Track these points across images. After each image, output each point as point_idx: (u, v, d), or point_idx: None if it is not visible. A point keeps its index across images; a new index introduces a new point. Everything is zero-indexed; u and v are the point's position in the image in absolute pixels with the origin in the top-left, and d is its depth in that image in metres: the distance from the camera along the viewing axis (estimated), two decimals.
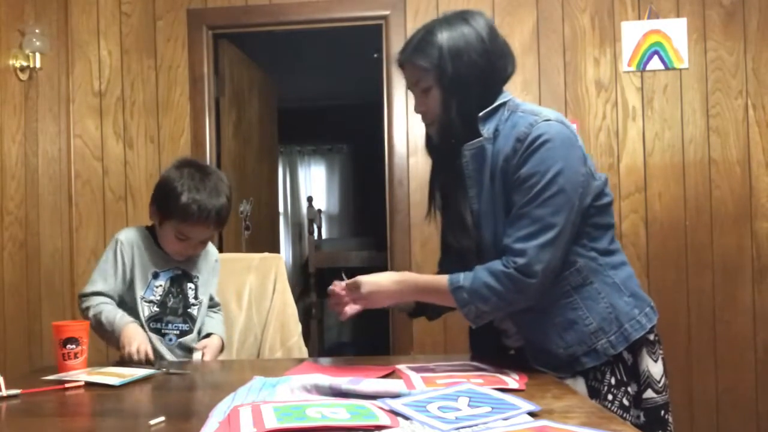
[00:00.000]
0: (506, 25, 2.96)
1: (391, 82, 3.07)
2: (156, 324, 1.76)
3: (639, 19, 2.95)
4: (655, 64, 2.94)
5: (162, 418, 1.05)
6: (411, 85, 1.48)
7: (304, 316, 4.33)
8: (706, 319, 2.89)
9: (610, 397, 1.36)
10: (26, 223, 2.76)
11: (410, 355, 2.93)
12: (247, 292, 2.10)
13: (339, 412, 0.99)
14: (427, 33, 1.42)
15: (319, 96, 6.37)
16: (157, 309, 1.76)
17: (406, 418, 1.00)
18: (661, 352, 1.44)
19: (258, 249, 2.82)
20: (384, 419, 0.97)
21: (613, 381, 1.36)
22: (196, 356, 1.75)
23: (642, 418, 1.39)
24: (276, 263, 2.15)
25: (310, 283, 4.93)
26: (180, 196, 1.68)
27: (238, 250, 3.37)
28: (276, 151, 4.53)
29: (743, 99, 2.90)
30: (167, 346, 1.76)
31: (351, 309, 1.46)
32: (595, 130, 2.96)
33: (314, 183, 7.24)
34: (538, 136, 1.33)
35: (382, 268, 3.15)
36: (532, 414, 1.01)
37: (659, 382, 1.40)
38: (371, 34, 3.20)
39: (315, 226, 5.32)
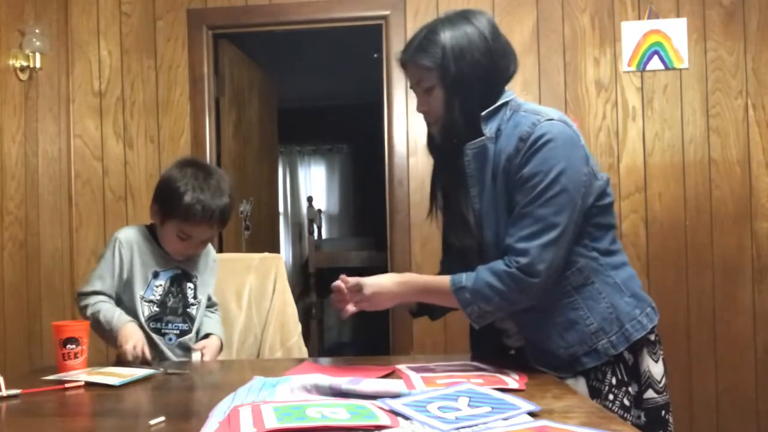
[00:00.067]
0: (506, 25, 2.96)
1: (391, 82, 3.07)
2: (156, 324, 1.76)
3: (639, 19, 2.95)
4: (655, 64, 2.94)
5: (162, 418, 1.05)
6: (413, 85, 1.48)
7: (304, 316, 4.33)
8: (706, 319, 2.89)
9: (611, 397, 1.36)
10: (26, 223, 2.76)
11: (410, 355, 2.93)
12: (247, 292, 2.10)
13: (339, 412, 0.99)
14: (429, 32, 1.42)
15: (319, 96, 6.37)
16: (157, 309, 1.76)
17: (406, 418, 1.00)
18: (661, 352, 1.44)
19: (258, 249, 2.82)
20: (384, 419, 0.97)
21: (614, 381, 1.36)
22: (196, 357, 1.75)
23: (643, 418, 1.39)
24: (276, 263, 2.15)
25: (310, 283, 4.92)
26: (183, 196, 1.68)
27: (238, 250, 3.37)
28: (276, 151, 4.53)
29: (743, 99, 2.90)
30: (167, 345, 1.76)
31: (352, 307, 1.46)
32: (595, 130, 2.96)
33: (314, 183, 7.24)
34: (541, 136, 1.33)
35: (382, 268, 3.17)
36: (532, 414, 1.01)
37: (660, 382, 1.40)
38: (371, 34, 3.20)
39: (315, 226, 5.32)
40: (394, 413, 1.02)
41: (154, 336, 1.74)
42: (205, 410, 1.07)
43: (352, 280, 1.43)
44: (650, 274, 2.90)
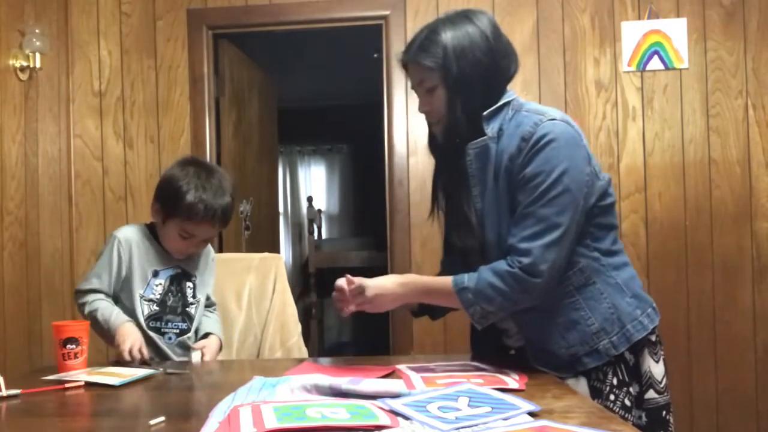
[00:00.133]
0: (506, 25, 2.96)
1: (391, 82, 3.07)
2: (155, 323, 1.76)
3: (639, 19, 2.95)
4: (655, 64, 2.94)
5: (162, 418, 1.05)
6: (415, 85, 1.47)
7: (304, 316, 4.33)
8: (706, 319, 2.89)
9: (612, 397, 1.36)
10: (26, 223, 2.76)
11: (410, 355, 2.92)
12: (246, 292, 2.10)
13: (339, 412, 0.99)
14: (431, 32, 1.41)
15: (319, 96, 6.37)
16: (157, 308, 1.76)
17: (406, 418, 1.00)
18: (662, 352, 1.44)
19: (258, 249, 2.82)
20: (384, 419, 0.97)
21: (615, 381, 1.36)
22: (196, 356, 1.75)
23: (644, 419, 1.39)
24: (276, 263, 2.15)
25: (310, 283, 4.92)
26: (186, 195, 1.68)
27: (238, 250, 3.36)
28: (276, 151, 4.53)
29: (743, 99, 2.90)
30: (167, 344, 1.77)
31: (353, 307, 1.46)
32: (595, 130, 2.96)
33: (314, 183, 7.24)
34: (543, 136, 1.33)
35: (383, 268, 3.17)
36: (532, 414, 1.01)
37: (661, 382, 1.40)
38: (371, 34, 3.20)
39: (315, 226, 5.32)
40: (394, 413, 1.02)
41: (154, 335, 1.74)
42: (205, 410, 1.07)
43: (355, 281, 1.43)
44: (650, 274, 2.90)
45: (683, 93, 2.93)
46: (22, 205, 2.74)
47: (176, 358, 1.77)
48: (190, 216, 1.69)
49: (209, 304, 1.92)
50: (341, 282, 1.45)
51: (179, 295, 1.80)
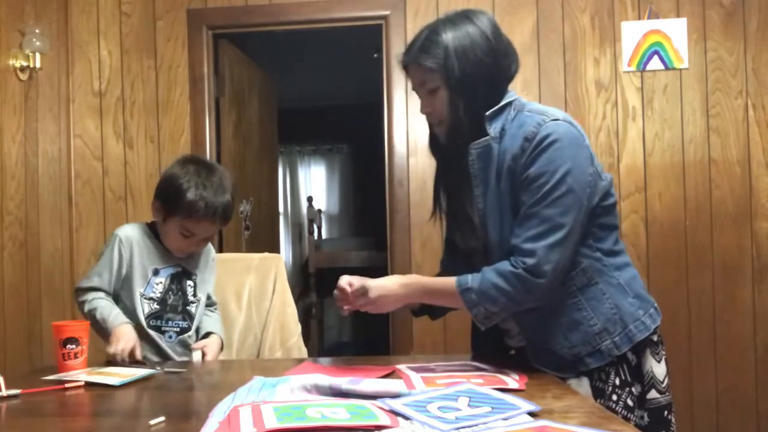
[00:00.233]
0: (506, 25, 2.96)
1: (391, 82, 3.07)
2: (156, 321, 1.76)
3: (639, 19, 2.95)
4: (655, 64, 2.94)
5: (162, 418, 1.05)
6: (416, 87, 1.47)
7: (304, 316, 4.33)
8: (706, 319, 2.89)
9: (614, 397, 1.36)
10: (26, 223, 2.76)
11: (410, 355, 2.92)
12: (246, 292, 2.10)
13: (339, 412, 0.99)
14: (431, 33, 1.41)
15: (319, 96, 6.37)
16: (157, 306, 1.76)
17: (406, 418, 1.00)
18: (664, 352, 1.44)
19: (258, 249, 2.82)
20: (384, 419, 0.97)
21: (617, 381, 1.36)
22: (196, 356, 1.75)
23: (646, 419, 1.39)
24: (276, 263, 2.15)
25: (310, 283, 4.92)
26: (186, 193, 1.68)
27: (238, 250, 3.37)
28: (276, 151, 4.53)
29: (743, 99, 2.90)
30: (167, 343, 1.77)
31: (353, 307, 1.46)
32: (595, 130, 2.96)
33: (314, 183, 7.24)
34: (547, 136, 1.32)
35: (383, 268, 3.16)
36: (532, 414, 1.01)
37: (662, 382, 1.41)
38: (371, 34, 3.20)
39: (315, 226, 5.32)
40: (394, 413, 1.02)
41: (154, 334, 1.74)
42: (205, 410, 1.07)
43: (357, 283, 1.42)
44: (650, 274, 2.90)
45: (683, 93, 2.93)
46: (22, 205, 2.74)
47: (177, 357, 1.77)
48: (191, 214, 1.69)
49: (210, 304, 1.92)
50: (344, 282, 1.45)
51: (180, 293, 1.80)
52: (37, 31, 2.75)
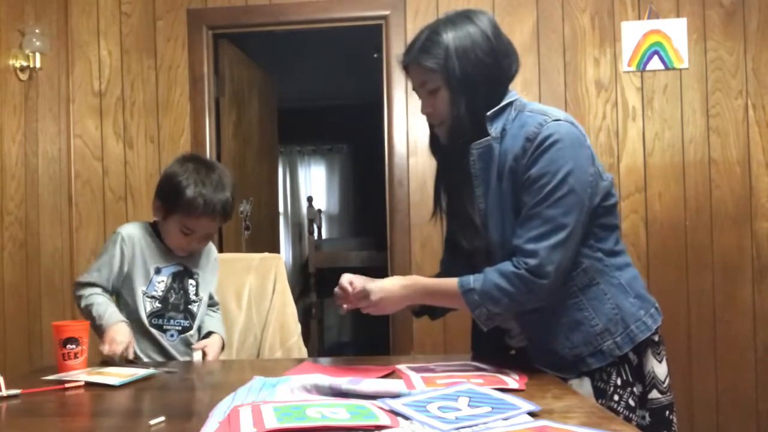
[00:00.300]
0: (506, 25, 2.96)
1: (391, 82, 3.07)
2: (157, 320, 1.76)
3: (639, 19, 2.95)
4: (655, 64, 2.94)
5: (162, 418, 1.05)
6: (417, 87, 1.46)
7: (304, 316, 4.33)
8: (706, 319, 2.89)
9: (616, 397, 1.36)
10: (26, 223, 2.76)
11: (410, 355, 2.93)
12: (246, 292, 2.10)
13: (339, 412, 0.99)
14: (432, 33, 1.41)
15: (319, 96, 6.37)
16: (159, 305, 1.77)
17: (406, 418, 1.00)
18: (665, 352, 1.44)
19: (258, 249, 2.82)
20: (384, 419, 0.97)
21: (619, 382, 1.36)
22: (197, 356, 1.75)
23: (647, 419, 1.39)
24: (276, 263, 2.15)
25: (310, 283, 4.92)
26: (185, 190, 1.68)
27: (238, 250, 3.37)
28: (276, 151, 4.53)
29: (743, 99, 2.90)
30: (169, 342, 1.77)
31: (352, 306, 1.46)
32: (595, 130, 2.96)
33: (314, 183, 7.24)
34: (548, 136, 1.32)
35: (382, 268, 3.16)
36: (532, 414, 1.01)
37: (664, 382, 1.41)
38: (371, 34, 3.20)
39: (315, 226, 5.32)
40: (394, 413, 1.02)
41: (156, 332, 1.75)
42: (205, 410, 1.07)
43: (358, 285, 1.42)
44: (650, 274, 2.90)
45: (683, 93, 2.93)
46: (22, 205, 2.74)
47: (179, 356, 1.77)
48: (190, 211, 1.69)
49: (212, 304, 1.93)
50: (345, 281, 1.44)
51: (181, 292, 1.81)
52: (37, 31, 2.75)
